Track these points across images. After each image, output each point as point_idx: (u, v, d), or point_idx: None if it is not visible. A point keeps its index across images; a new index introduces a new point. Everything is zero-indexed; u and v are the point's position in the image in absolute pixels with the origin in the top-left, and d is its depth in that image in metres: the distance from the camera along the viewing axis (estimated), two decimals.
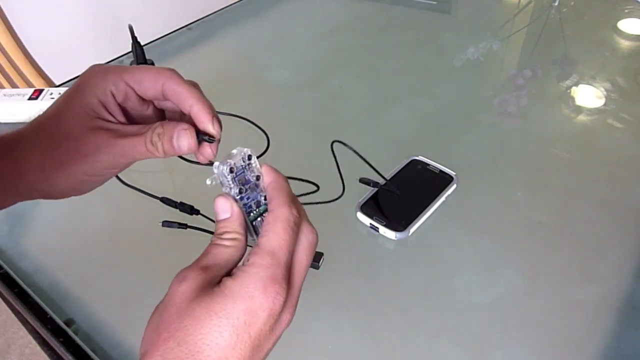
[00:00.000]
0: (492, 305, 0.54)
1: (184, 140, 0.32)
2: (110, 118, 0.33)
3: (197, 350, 0.26)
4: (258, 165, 0.29)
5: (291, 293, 0.29)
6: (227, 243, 0.30)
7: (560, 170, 0.70)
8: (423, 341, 0.52)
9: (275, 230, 0.29)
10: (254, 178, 0.29)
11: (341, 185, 0.66)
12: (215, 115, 0.33)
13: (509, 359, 0.50)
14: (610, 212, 0.63)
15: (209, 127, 0.33)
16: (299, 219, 0.30)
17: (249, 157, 0.29)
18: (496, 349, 0.50)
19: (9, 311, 0.67)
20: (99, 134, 0.32)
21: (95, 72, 0.33)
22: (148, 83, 0.32)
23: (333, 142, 0.69)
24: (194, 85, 0.34)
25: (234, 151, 0.29)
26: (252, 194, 0.29)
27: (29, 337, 1.19)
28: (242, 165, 0.29)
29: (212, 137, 0.33)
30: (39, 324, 0.53)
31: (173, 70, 0.33)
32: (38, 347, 0.70)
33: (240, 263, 0.30)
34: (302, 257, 0.30)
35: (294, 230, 0.29)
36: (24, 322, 0.66)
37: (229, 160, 0.28)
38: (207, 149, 0.34)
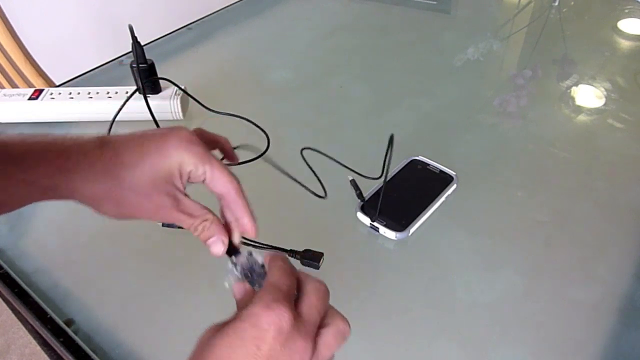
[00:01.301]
0: (492, 305, 0.54)
1: (216, 248, 0.37)
2: (179, 186, 0.36)
3: None
4: (259, 256, 0.35)
5: (302, 322, 0.31)
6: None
7: (560, 170, 0.70)
8: (423, 341, 0.52)
9: (273, 273, 0.33)
10: (259, 267, 0.35)
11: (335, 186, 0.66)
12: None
13: (509, 359, 0.50)
14: (610, 212, 0.63)
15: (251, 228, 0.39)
16: (294, 269, 0.34)
17: (250, 254, 0.35)
18: (496, 349, 0.50)
19: (9, 311, 0.67)
20: (165, 199, 0.35)
21: (187, 142, 0.36)
22: (219, 186, 0.37)
23: (303, 149, 0.68)
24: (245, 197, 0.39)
25: (242, 257, 0.35)
26: (258, 276, 0.35)
27: (29, 337, 1.19)
28: (247, 262, 0.35)
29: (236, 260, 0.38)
30: (39, 324, 0.53)
31: (238, 184, 0.38)
32: (38, 347, 0.70)
33: None
34: (312, 298, 0.32)
35: (289, 272, 0.33)
36: (24, 322, 0.66)
37: (237, 268, 0.34)
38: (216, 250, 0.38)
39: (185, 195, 0.37)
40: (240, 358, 0.29)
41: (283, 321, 0.29)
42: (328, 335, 0.32)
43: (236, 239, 0.38)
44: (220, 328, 0.30)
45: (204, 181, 0.37)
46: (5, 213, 0.38)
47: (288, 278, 0.32)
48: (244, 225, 0.38)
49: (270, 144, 0.75)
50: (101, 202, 0.35)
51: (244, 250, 0.34)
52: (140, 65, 0.74)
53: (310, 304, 0.32)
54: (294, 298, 0.32)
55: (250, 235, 0.38)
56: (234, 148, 0.42)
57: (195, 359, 0.30)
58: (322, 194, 0.66)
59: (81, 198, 0.35)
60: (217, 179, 0.37)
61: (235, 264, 0.35)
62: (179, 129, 0.36)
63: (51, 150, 0.34)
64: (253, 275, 0.34)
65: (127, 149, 0.35)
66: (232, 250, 0.38)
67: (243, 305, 0.33)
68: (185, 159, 0.35)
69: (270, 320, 0.29)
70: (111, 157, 0.34)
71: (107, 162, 0.34)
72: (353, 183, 0.64)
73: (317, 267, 0.57)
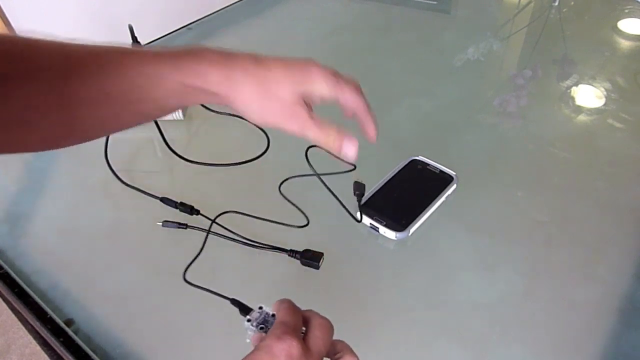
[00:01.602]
0: (492, 305, 0.54)
1: (351, 151, 0.45)
2: (311, 105, 0.44)
3: None
4: (268, 308, 0.41)
5: (309, 351, 0.35)
6: None
7: (560, 170, 0.70)
8: (423, 341, 0.52)
9: (281, 313, 0.38)
10: (270, 317, 0.40)
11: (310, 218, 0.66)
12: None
13: (509, 359, 0.50)
14: (610, 212, 0.63)
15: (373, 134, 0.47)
16: (299, 309, 0.39)
17: (261, 307, 0.41)
18: (496, 349, 0.50)
19: (9, 311, 0.67)
20: (300, 110, 0.43)
21: (322, 69, 0.43)
22: (348, 104, 0.45)
23: (281, 182, 0.68)
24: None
25: (255, 313, 0.41)
26: (271, 324, 0.39)
27: (29, 337, 1.19)
28: (260, 315, 0.41)
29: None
30: (39, 324, 0.53)
31: (364, 101, 0.46)
32: (38, 347, 0.70)
33: None
34: (316, 332, 0.37)
35: (294, 311, 0.38)
36: (24, 322, 0.66)
37: (253, 324, 0.40)
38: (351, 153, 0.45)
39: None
40: None
41: (292, 349, 0.34)
42: None
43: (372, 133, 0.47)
44: None
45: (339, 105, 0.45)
46: (169, 112, 0.44)
47: (294, 316, 0.37)
48: (369, 133, 0.47)
49: (270, 144, 0.75)
50: (251, 107, 0.42)
51: (256, 307, 0.41)
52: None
53: (315, 336, 0.37)
54: (300, 331, 0.37)
55: (371, 139, 0.47)
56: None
57: None
58: (339, 191, 0.66)
59: (235, 103, 0.42)
60: (350, 101, 0.44)
61: (250, 321, 0.40)
62: (316, 62, 0.43)
63: (219, 62, 0.42)
64: (267, 325, 0.39)
65: (277, 66, 0.42)
66: (246, 310, 0.45)
67: None
68: (321, 84, 0.43)
69: (281, 348, 0.34)
70: (265, 72, 0.42)
71: (262, 78, 0.42)
72: (357, 185, 0.64)
73: (317, 267, 0.57)
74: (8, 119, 0.35)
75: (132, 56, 0.39)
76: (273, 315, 0.39)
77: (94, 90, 0.38)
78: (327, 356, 0.38)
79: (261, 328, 0.39)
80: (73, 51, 0.38)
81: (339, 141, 0.44)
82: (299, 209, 0.64)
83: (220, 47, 0.44)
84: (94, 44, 0.39)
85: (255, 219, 0.63)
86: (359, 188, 0.64)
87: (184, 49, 0.42)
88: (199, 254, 0.60)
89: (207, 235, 0.62)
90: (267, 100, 0.42)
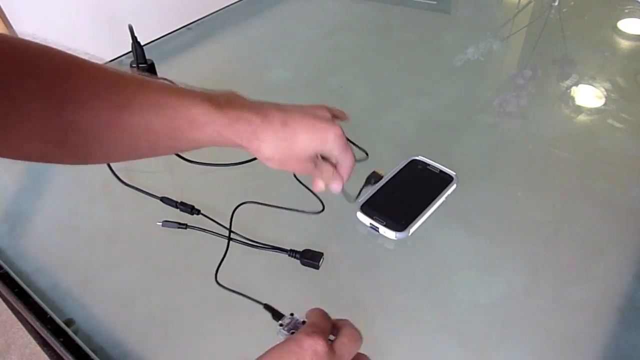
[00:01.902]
0: (492, 305, 0.54)
1: (337, 186, 0.50)
2: (319, 156, 0.50)
3: None
4: (298, 316, 0.45)
5: (334, 354, 0.37)
6: None
7: (560, 170, 0.70)
8: (423, 341, 0.52)
9: (311, 315, 0.41)
10: (300, 324, 0.44)
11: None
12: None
13: (509, 359, 0.50)
14: (610, 212, 0.63)
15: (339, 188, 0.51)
16: (329, 317, 0.42)
17: (292, 314, 0.45)
18: (496, 349, 0.50)
19: (9, 311, 0.67)
20: (310, 163, 0.49)
21: (338, 137, 0.49)
22: (344, 165, 0.50)
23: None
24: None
25: (286, 318, 0.46)
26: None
27: (29, 337, 1.19)
28: (291, 321, 0.45)
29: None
30: (39, 324, 0.53)
31: (353, 164, 0.51)
32: (38, 347, 0.70)
33: None
34: (344, 339, 0.39)
35: (326, 316, 0.41)
36: (24, 322, 0.66)
37: (285, 329, 0.44)
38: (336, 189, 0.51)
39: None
40: None
41: (319, 347, 0.36)
42: None
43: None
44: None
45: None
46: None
47: (324, 320, 0.40)
48: (336, 187, 0.51)
49: None
50: (272, 161, 0.48)
51: (287, 313, 0.45)
52: (140, 65, 0.74)
53: (342, 343, 0.39)
54: (328, 335, 0.39)
55: (335, 190, 0.51)
56: None
57: None
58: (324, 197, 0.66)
59: (257, 155, 0.48)
60: (345, 163, 0.50)
61: (282, 325, 0.44)
62: (336, 126, 0.49)
63: (251, 121, 0.45)
64: (297, 331, 0.41)
65: (301, 131, 0.47)
66: (278, 315, 0.50)
67: None
68: (333, 150, 0.49)
69: (309, 344, 0.36)
70: (291, 137, 0.47)
71: (287, 140, 0.46)
72: (374, 174, 0.66)
73: (317, 267, 0.57)
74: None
75: (179, 97, 0.43)
76: (303, 322, 0.42)
77: (135, 123, 0.41)
78: None
79: (292, 333, 0.41)
80: (123, 83, 0.42)
81: (330, 182, 0.50)
82: (314, 194, 0.65)
83: (251, 100, 0.47)
84: (142, 76, 0.43)
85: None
86: (375, 177, 0.65)
87: (224, 97, 0.46)
88: (224, 257, 0.59)
89: (208, 232, 0.62)
90: (288, 157, 0.48)
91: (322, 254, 0.58)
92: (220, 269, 0.58)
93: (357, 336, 0.41)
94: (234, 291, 0.55)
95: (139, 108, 0.41)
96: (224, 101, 0.45)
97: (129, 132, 0.41)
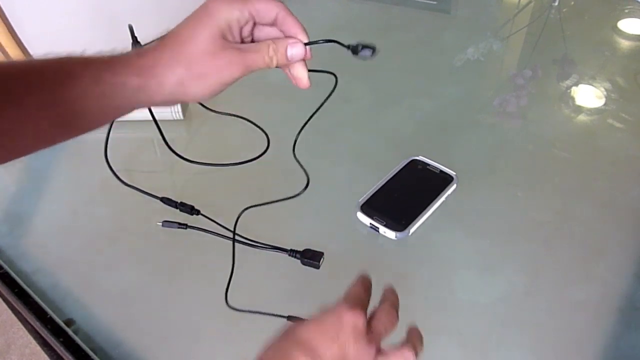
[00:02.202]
0: (492, 305, 0.54)
1: (297, 50, 0.43)
2: (233, 39, 0.41)
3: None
4: None
5: (371, 330, 0.37)
6: None
7: (560, 170, 0.70)
8: (423, 341, 0.52)
9: (355, 285, 0.40)
10: None
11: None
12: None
13: (509, 359, 0.50)
14: (610, 212, 0.63)
15: (304, 39, 0.44)
16: (370, 292, 0.41)
17: None
18: (496, 349, 0.50)
19: (9, 311, 0.67)
20: (230, 51, 0.40)
21: (221, 1, 0.40)
22: (264, 13, 0.41)
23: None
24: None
25: None
26: None
27: (29, 337, 1.19)
28: None
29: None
30: (39, 324, 0.53)
31: (281, 3, 0.42)
32: (38, 347, 0.70)
33: None
34: (383, 316, 0.39)
35: (369, 291, 0.40)
36: (24, 322, 0.66)
37: None
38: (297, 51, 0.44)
39: (243, 41, 0.43)
40: (323, 339, 0.35)
41: (359, 322, 0.35)
42: (392, 353, 0.38)
43: (304, 38, 0.44)
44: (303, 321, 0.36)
45: (256, 22, 0.42)
46: (98, 127, 0.42)
47: (366, 293, 0.40)
48: (299, 38, 0.44)
49: (270, 144, 0.75)
50: (188, 83, 0.40)
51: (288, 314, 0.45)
52: None
53: (379, 320, 0.38)
54: (367, 309, 0.38)
55: (303, 39, 0.44)
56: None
57: (285, 336, 0.36)
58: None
59: (167, 87, 0.40)
60: (264, 11, 0.41)
61: None
62: None
63: (129, 55, 0.41)
64: None
65: (181, 29, 0.40)
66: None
67: None
68: (227, 15, 0.40)
69: (349, 319, 0.35)
70: (173, 40, 0.40)
71: (172, 48, 0.40)
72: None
73: (317, 267, 0.57)
74: None
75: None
76: None
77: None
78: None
79: None
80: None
81: (282, 56, 0.43)
82: (304, 171, 0.65)
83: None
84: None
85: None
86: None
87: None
88: (232, 271, 0.58)
89: (208, 232, 0.62)
90: (196, 65, 0.40)
91: (322, 253, 0.58)
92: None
93: (395, 317, 0.40)
94: (249, 311, 0.54)
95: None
96: (101, 56, 0.41)
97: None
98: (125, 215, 0.67)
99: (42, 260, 0.61)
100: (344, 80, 0.90)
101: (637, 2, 1.09)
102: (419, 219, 0.61)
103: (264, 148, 0.74)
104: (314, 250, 0.58)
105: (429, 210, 0.62)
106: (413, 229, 0.60)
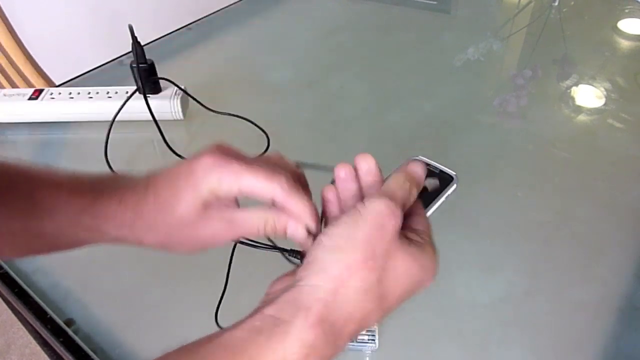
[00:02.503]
0: (492, 305, 0.54)
1: (298, 234, 0.36)
2: (223, 208, 0.35)
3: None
4: None
5: (420, 228, 0.35)
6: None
7: (560, 170, 0.70)
8: (423, 341, 0.52)
9: (397, 178, 0.37)
10: None
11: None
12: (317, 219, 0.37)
13: (508, 359, 0.50)
14: (610, 212, 0.63)
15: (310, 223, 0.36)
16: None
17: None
18: (496, 349, 0.50)
19: (9, 311, 0.67)
20: (214, 223, 0.35)
21: (212, 168, 0.34)
22: (259, 192, 0.34)
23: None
24: (301, 181, 0.38)
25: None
26: None
27: (29, 337, 1.19)
28: None
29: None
30: (39, 324, 0.53)
31: (284, 181, 0.34)
32: (38, 347, 0.70)
33: None
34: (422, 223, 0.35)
35: (410, 191, 0.36)
36: (24, 322, 0.66)
37: None
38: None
39: (237, 206, 0.36)
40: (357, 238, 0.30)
41: (398, 223, 0.32)
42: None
43: (310, 223, 0.36)
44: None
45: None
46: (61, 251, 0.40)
47: (403, 190, 0.35)
48: (307, 225, 0.36)
49: (270, 144, 0.75)
50: (167, 245, 0.37)
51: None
52: (140, 65, 0.74)
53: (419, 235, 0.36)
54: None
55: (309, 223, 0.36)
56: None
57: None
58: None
59: (149, 245, 0.37)
60: (257, 190, 0.34)
61: None
62: (202, 155, 0.35)
63: (111, 198, 0.35)
64: None
65: (164, 190, 0.35)
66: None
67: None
68: (214, 185, 0.34)
69: (393, 223, 0.31)
70: (155, 203, 0.35)
71: (155, 209, 0.35)
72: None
73: None
74: None
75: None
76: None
77: None
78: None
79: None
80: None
81: (280, 228, 0.36)
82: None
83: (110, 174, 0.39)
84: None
85: None
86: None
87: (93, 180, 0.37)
88: (224, 291, 0.57)
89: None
90: (176, 234, 0.36)
91: None
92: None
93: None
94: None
95: None
96: (80, 182, 0.36)
97: None
98: None
99: (42, 260, 0.61)
100: (344, 80, 0.91)
101: (637, 2, 1.09)
102: None
103: (264, 148, 0.74)
104: None
105: (429, 210, 0.62)
106: None
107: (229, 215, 0.35)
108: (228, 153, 0.34)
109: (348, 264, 0.29)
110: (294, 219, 0.35)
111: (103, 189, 0.35)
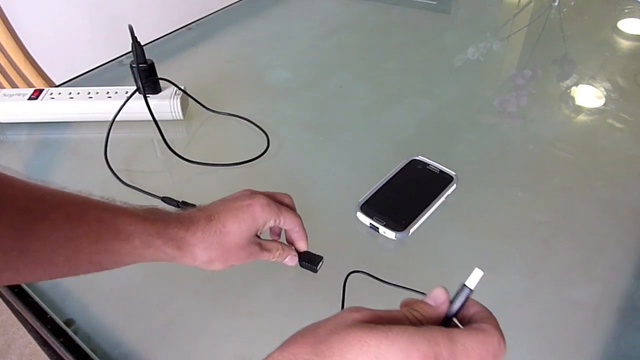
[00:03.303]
0: (492, 305, 0.54)
1: (292, 262, 0.56)
2: (260, 236, 0.52)
3: None
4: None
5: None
6: (411, 315, 0.32)
7: (560, 170, 0.70)
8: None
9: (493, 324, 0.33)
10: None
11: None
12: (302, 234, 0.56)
13: (509, 359, 0.50)
14: (610, 212, 0.63)
15: (302, 247, 0.57)
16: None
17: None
18: None
19: (9, 311, 0.67)
20: (253, 246, 0.50)
21: (268, 208, 0.50)
22: (289, 224, 0.53)
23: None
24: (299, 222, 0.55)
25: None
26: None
27: (29, 337, 1.19)
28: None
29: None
30: (39, 324, 0.53)
31: (299, 218, 0.55)
32: (38, 347, 0.70)
33: None
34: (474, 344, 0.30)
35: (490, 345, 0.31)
36: (24, 322, 0.66)
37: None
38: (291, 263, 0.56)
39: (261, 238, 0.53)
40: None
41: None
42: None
43: (303, 247, 0.57)
44: (365, 324, 0.28)
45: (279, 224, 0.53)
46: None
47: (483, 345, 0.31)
48: (301, 247, 0.57)
49: (270, 144, 0.75)
50: (213, 262, 0.48)
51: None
52: (140, 65, 0.74)
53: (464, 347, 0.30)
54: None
55: (301, 249, 0.57)
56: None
57: (322, 340, 0.28)
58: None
59: (192, 261, 0.47)
60: (289, 223, 0.53)
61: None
62: (258, 197, 0.50)
63: (178, 224, 0.46)
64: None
65: (228, 221, 0.48)
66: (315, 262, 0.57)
67: (407, 318, 0.31)
68: (266, 220, 0.50)
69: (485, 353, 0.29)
70: (220, 229, 0.47)
71: (217, 234, 0.47)
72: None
73: (315, 271, 0.57)
74: None
75: (103, 210, 0.43)
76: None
77: (54, 235, 0.39)
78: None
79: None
80: (41, 194, 0.40)
81: (282, 259, 0.55)
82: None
83: (172, 211, 0.48)
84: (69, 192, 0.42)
85: None
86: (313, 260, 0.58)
87: (147, 210, 0.46)
88: None
89: None
90: (227, 251, 0.48)
91: (321, 257, 0.57)
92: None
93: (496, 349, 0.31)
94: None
95: (60, 218, 0.39)
96: (149, 213, 0.45)
97: (46, 242, 0.38)
98: None
99: None
100: (344, 80, 0.91)
101: (637, 2, 1.09)
102: (419, 219, 0.61)
103: (264, 148, 0.74)
104: (312, 253, 0.57)
105: (428, 210, 0.62)
106: (413, 229, 0.60)
107: (261, 242, 0.52)
108: (270, 196, 0.51)
109: None
110: (292, 253, 0.55)
111: (170, 219, 0.46)
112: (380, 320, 0.29)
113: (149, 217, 0.44)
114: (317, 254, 0.57)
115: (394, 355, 0.26)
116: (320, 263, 0.57)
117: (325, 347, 0.27)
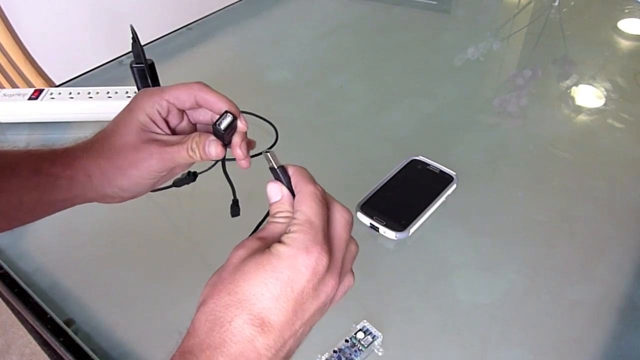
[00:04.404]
0: (492, 305, 0.54)
1: (212, 148, 0.40)
2: (158, 131, 0.42)
3: (244, 298, 0.30)
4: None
5: (333, 261, 0.32)
6: (280, 220, 0.35)
7: (560, 170, 0.70)
8: (423, 341, 0.52)
9: (306, 202, 0.33)
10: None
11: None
12: (240, 113, 0.42)
13: (509, 358, 0.50)
14: (610, 212, 0.63)
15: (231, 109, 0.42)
16: (325, 194, 0.35)
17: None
18: (496, 349, 0.50)
19: (9, 311, 0.67)
20: (151, 144, 0.40)
21: (143, 95, 0.41)
22: (183, 97, 0.41)
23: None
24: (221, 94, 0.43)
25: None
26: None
27: (29, 337, 1.19)
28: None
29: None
30: (39, 324, 0.53)
31: (201, 83, 0.42)
32: (38, 347, 0.70)
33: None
34: (340, 231, 0.33)
35: (322, 202, 0.33)
36: (24, 322, 0.66)
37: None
38: (237, 151, 0.44)
39: (175, 132, 0.43)
40: (272, 297, 0.30)
41: (320, 265, 0.30)
42: (346, 281, 0.34)
43: (231, 109, 0.42)
44: (254, 256, 0.31)
45: (182, 111, 0.43)
46: (36, 219, 0.44)
47: (323, 209, 0.33)
48: (217, 109, 0.42)
49: (275, 141, 0.74)
50: (109, 174, 0.41)
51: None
52: (140, 65, 0.74)
53: (339, 238, 0.33)
54: (327, 232, 0.32)
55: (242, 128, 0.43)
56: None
57: (230, 281, 0.31)
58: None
59: (93, 180, 0.41)
60: (181, 98, 0.41)
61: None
62: (139, 93, 0.42)
63: (64, 147, 0.42)
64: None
65: (111, 123, 0.42)
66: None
67: (280, 223, 0.34)
68: (147, 106, 0.41)
69: (307, 264, 0.30)
70: (101, 135, 0.42)
71: (98, 141, 0.42)
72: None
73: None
74: None
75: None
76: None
77: None
78: None
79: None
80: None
81: (202, 150, 0.41)
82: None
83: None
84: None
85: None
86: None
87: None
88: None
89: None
90: (119, 159, 0.40)
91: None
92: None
93: (351, 221, 0.34)
94: None
95: None
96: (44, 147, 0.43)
97: None
98: (125, 215, 0.67)
99: (42, 260, 0.61)
100: (344, 80, 0.90)
101: (637, 2, 1.09)
102: (419, 219, 0.61)
103: (264, 146, 0.74)
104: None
105: (428, 210, 0.62)
106: (413, 229, 0.60)
107: (160, 137, 0.41)
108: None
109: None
110: (216, 109, 0.41)
111: (57, 147, 0.43)
112: (265, 241, 0.33)
113: (39, 149, 0.42)
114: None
115: (286, 267, 0.30)
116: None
117: (234, 285, 0.31)
